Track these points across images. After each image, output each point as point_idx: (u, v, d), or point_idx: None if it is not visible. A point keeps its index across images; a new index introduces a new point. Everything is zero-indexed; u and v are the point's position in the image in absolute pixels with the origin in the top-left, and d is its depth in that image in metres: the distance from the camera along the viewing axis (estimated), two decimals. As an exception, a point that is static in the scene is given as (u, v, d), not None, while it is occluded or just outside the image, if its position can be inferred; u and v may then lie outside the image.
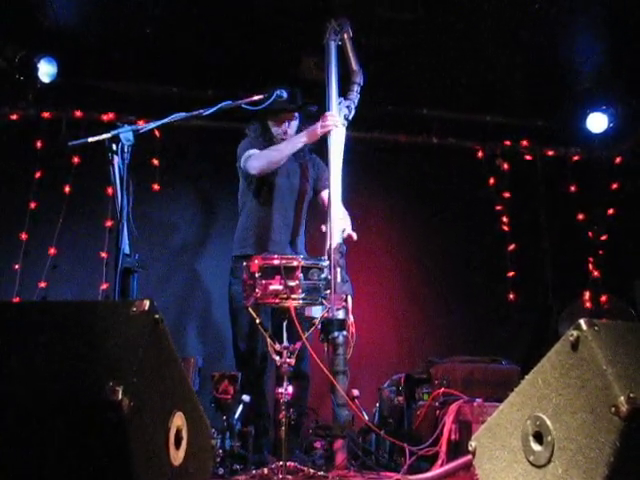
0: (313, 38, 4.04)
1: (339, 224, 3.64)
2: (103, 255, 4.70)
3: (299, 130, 3.97)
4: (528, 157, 5.63)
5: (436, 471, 3.08)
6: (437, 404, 3.55)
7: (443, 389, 3.63)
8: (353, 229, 3.74)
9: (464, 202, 5.46)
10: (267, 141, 3.97)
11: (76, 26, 4.51)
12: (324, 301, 3.12)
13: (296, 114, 3.97)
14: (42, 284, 4.67)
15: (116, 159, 2.90)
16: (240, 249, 3.88)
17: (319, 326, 3.34)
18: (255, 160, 3.80)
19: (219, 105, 3.23)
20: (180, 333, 4.86)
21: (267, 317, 3.58)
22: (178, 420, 1.95)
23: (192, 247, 5.22)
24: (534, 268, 5.48)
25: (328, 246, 3.54)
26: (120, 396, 1.63)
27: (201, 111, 3.20)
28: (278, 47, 4.65)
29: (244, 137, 4.04)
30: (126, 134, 2.90)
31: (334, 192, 3.72)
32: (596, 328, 1.87)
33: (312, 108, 3.93)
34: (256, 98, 3.36)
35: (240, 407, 3.40)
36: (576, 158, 5.69)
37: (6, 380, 1.75)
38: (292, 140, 3.84)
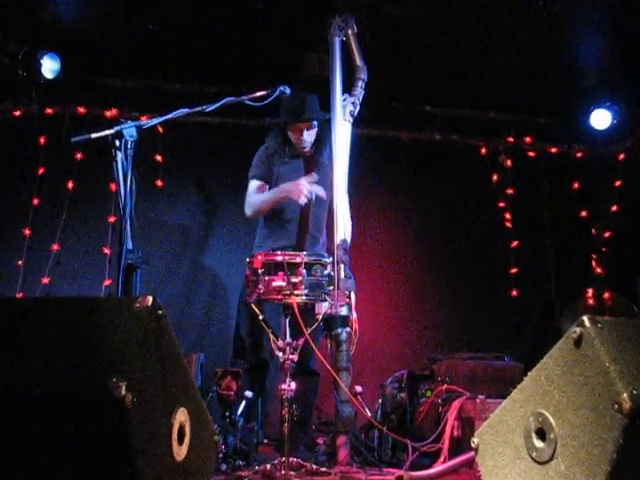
0: (317, 34, 4.04)
1: (343, 221, 3.64)
2: (106, 251, 4.70)
3: (318, 137, 3.98)
4: (531, 154, 5.61)
5: (438, 467, 3.08)
6: (440, 401, 3.56)
7: (446, 386, 3.64)
8: (354, 230, 3.74)
9: (467, 199, 5.46)
10: (288, 149, 3.99)
11: (79, 22, 4.51)
12: (327, 297, 3.12)
13: (314, 122, 3.95)
14: (45, 280, 4.68)
15: (119, 155, 2.90)
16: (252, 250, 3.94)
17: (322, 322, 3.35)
18: (247, 207, 3.95)
19: (222, 101, 3.23)
20: (183, 329, 4.86)
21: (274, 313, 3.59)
22: (181, 416, 1.95)
23: (195, 243, 5.21)
24: (537, 265, 5.47)
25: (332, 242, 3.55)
26: (124, 392, 1.63)
27: (204, 107, 3.20)
28: (282, 43, 4.64)
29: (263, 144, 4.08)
30: (129, 130, 2.90)
31: (339, 189, 3.72)
32: (599, 325, 1.87)
33: (328, 116, 3.91)
34: (259, 94, 3.35)
35: (243, 403, 3.40)
36: (579, 155, 5.67)
37: (9, 376, 1.75)
38: (277, 193, 3.86)
